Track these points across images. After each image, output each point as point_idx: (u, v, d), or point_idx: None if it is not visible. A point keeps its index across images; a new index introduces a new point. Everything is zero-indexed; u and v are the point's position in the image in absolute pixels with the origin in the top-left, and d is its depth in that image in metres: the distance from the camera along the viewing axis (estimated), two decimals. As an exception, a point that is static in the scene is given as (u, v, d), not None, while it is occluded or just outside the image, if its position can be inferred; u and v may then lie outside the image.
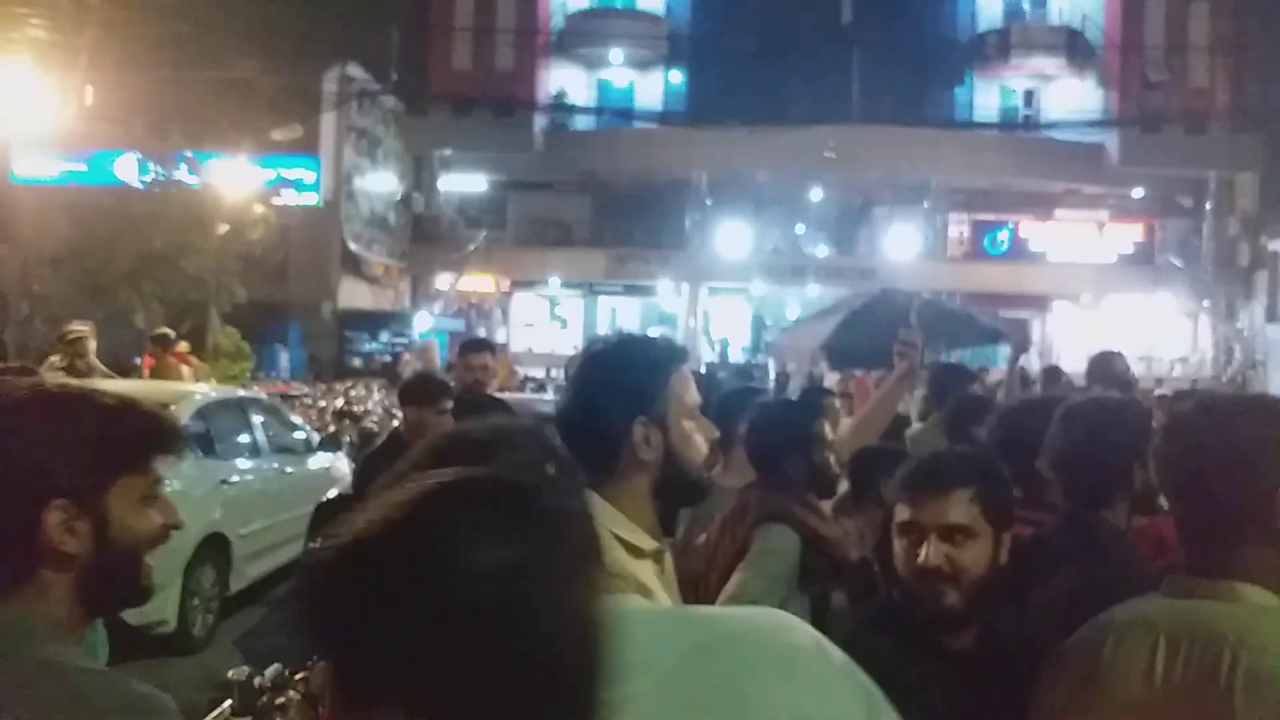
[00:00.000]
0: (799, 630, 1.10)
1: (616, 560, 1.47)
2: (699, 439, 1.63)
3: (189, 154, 16.16)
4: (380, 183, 23.75)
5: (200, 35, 15.91)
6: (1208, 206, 24.38)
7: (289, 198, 20.31)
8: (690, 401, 1.63)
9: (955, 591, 1.69)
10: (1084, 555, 2.02)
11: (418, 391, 4.10)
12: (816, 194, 25.99)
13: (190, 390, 7.46)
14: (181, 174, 16.21)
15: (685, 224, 25.42)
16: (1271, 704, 1.32)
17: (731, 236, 24.93)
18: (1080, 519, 2.15)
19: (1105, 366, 5.88)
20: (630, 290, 25.92)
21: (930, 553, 1.70)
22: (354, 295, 22.54)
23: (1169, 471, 1.59)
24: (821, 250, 26.29)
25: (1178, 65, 24.81)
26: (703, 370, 20.84)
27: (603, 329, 25.61)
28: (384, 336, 21.67)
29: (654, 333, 23.80)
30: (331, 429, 9.84)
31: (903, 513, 1.76)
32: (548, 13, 26.46)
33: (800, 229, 26.86)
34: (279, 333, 20.14)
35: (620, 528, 1.56)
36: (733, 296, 25.89)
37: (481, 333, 23.25)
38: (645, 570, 1.57)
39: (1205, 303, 24.13)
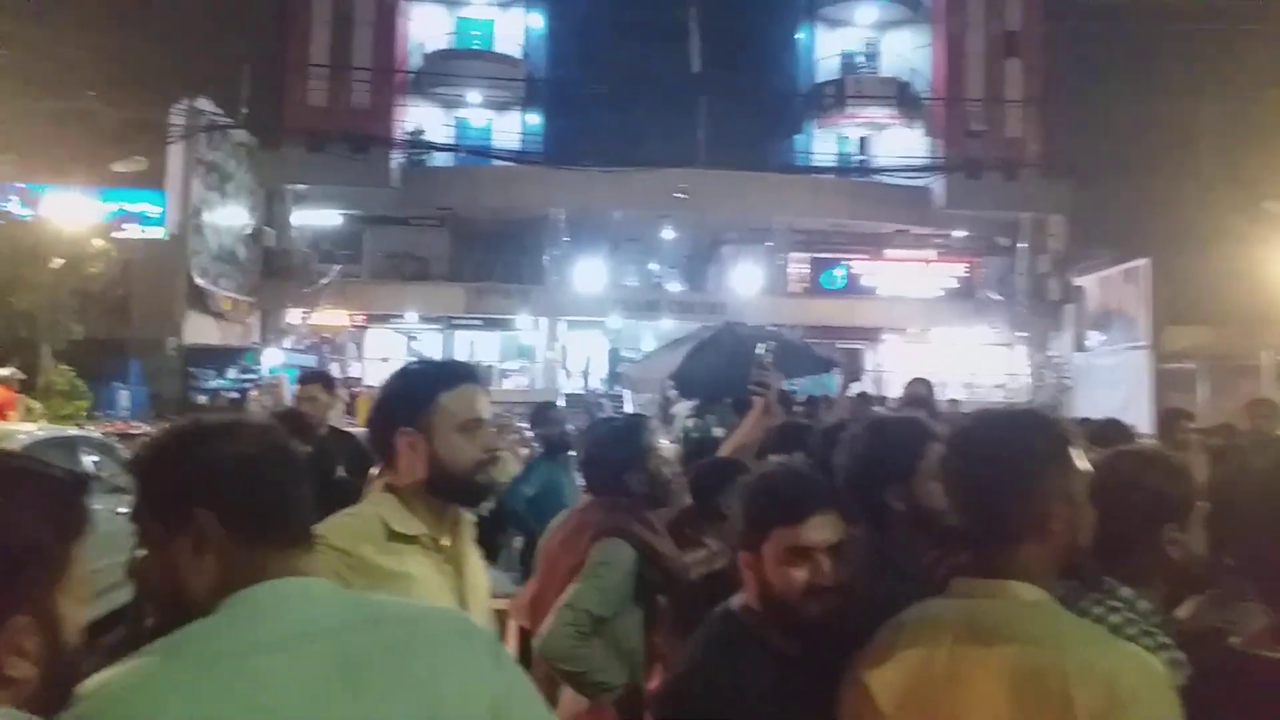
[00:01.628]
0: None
1: (355, 540, 1.82)
2: (470, 449, 1.91)
3: (20, 186, 15.54)
4: (230, 217, 23.20)
5: (36, 64, 15.38)
6: (1022, 246, 26.37)
7: (133, 232, 19.70)
8: (463, 415, 1.91)
9: (827, 603, 1.82)
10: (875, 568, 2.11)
11: None
12: (669, 233, 26.87)
13: (14, 430, 7.22)
14: (13, 206, 15.56)
15: (543, 260, 25.83)
16: (1035, 693, 1.39)
17: (588, 272, 25.54)
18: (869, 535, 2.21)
19: (912, 391, 6.64)
20: (489, 324, 26.08)
21: (828, 570, 1.82)
22: (200, 331, 21.89)
23: (952, 481, 1.67)
24: (674, 286, 27.20)
25: (995, 117, 26.76)
26: (561, 402, 21.30)
27: (461, 363, 25.66)
28: (231, 373, 21.05)
29: (514, 365, 23.95)
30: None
31: (792, 538, 1.84)
32: (405, 52, 26.61)
33: (654, 265, 27.71)
34: (119, 370, 19.31)
35: (390, 515, 1.89)
36: (590, 330, 26.40)
37: (334, 368, 22.98)
38: (411, 556, 1.87)
39: (1021, 334, 26.10)
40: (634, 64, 26.85)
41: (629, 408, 16.97)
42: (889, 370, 24.48)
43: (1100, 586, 1.84)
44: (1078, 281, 24.75)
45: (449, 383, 1.94)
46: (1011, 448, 1.58)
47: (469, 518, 2.06)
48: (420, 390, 1.94)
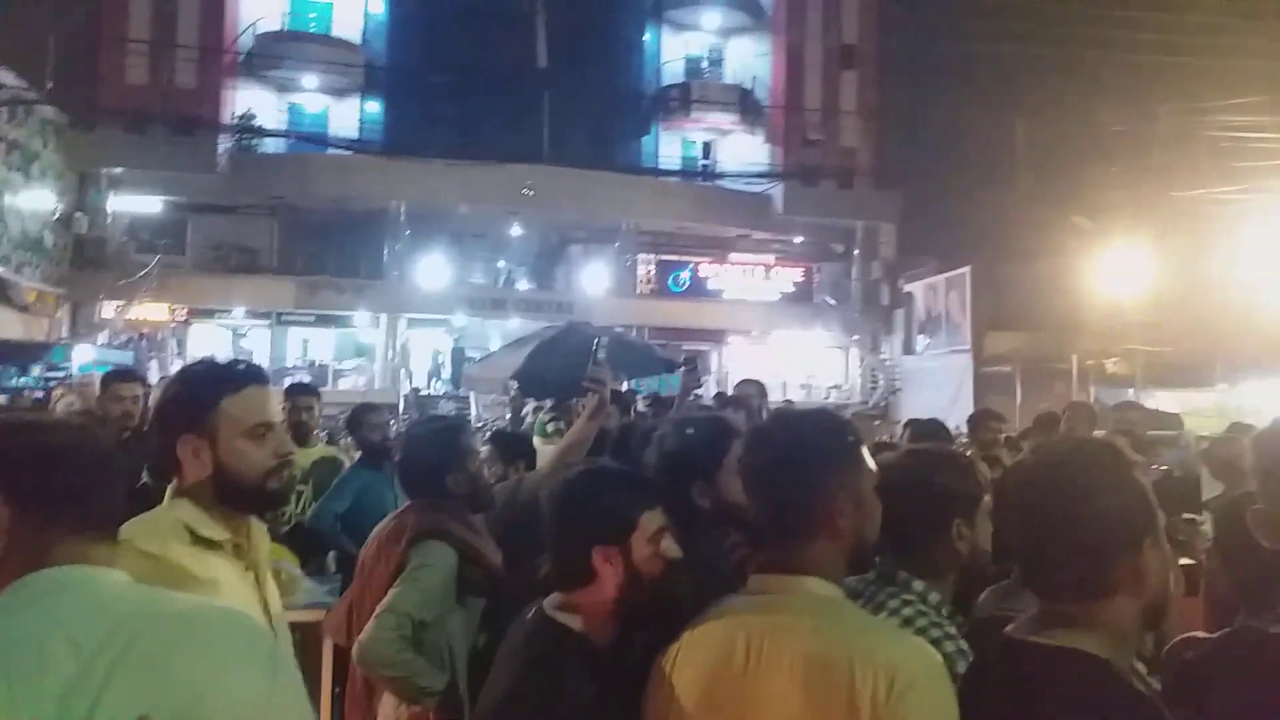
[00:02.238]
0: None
1: (162, 544, 1.76)
2: (258, 455, 1.83)
3: None
4: (35, 200, 21.34)
5: None
6: (856, 253, 27.50)
7: (-83, 213, 17.84)
8: (249, 420, 1.83)
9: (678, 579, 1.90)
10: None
11: None
12: (515, 230, 26.55)
13: None
14: None
15: (383, 254, 25.01)
16: (824, 684, 1.49)
17: (432, 268, 24.86)
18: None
19: (740, 391, 6.65)
20: (323, 320, 25.01)
21: (675, 546, 1.92)
22: (2, 325, 20.06)
23: (748, 478, 1.76)
24: (522, 284, 26.91)
25: (831, 127, 27.81)
26: (400, 404, 20.64)
27: (292, 360, 24.51)
28: (36, 370, 19.41)
29: (350, 364, 23.08)
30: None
31: (659, 519, 1.92)
32: (234, 31, 25.17)
33: (501, 263, 27.32)
34: (-99, 367, 17.53)
35: (191, 519, 1.81)
36: (433, 328, 25.78)
37: (153, 365, 21.50)
38: (216, 561, 1.80)
39: (855, 337, 27.19)
40: (478, 55, 26.34)
41: (474, 409, 16.63)
42: (733, 371, 24.98)
43: (894, 580, 1.94)
44: (907, 288, 25.95)
45: (233, 385, 1.85)
46: (802, 447, 1.67)
47: (260, 524, 1.96)
48: (201, 394, 1.84)
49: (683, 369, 5.75)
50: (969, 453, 2.94)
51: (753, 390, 6.35)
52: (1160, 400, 20.26)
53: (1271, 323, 17.07)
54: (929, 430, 5.28)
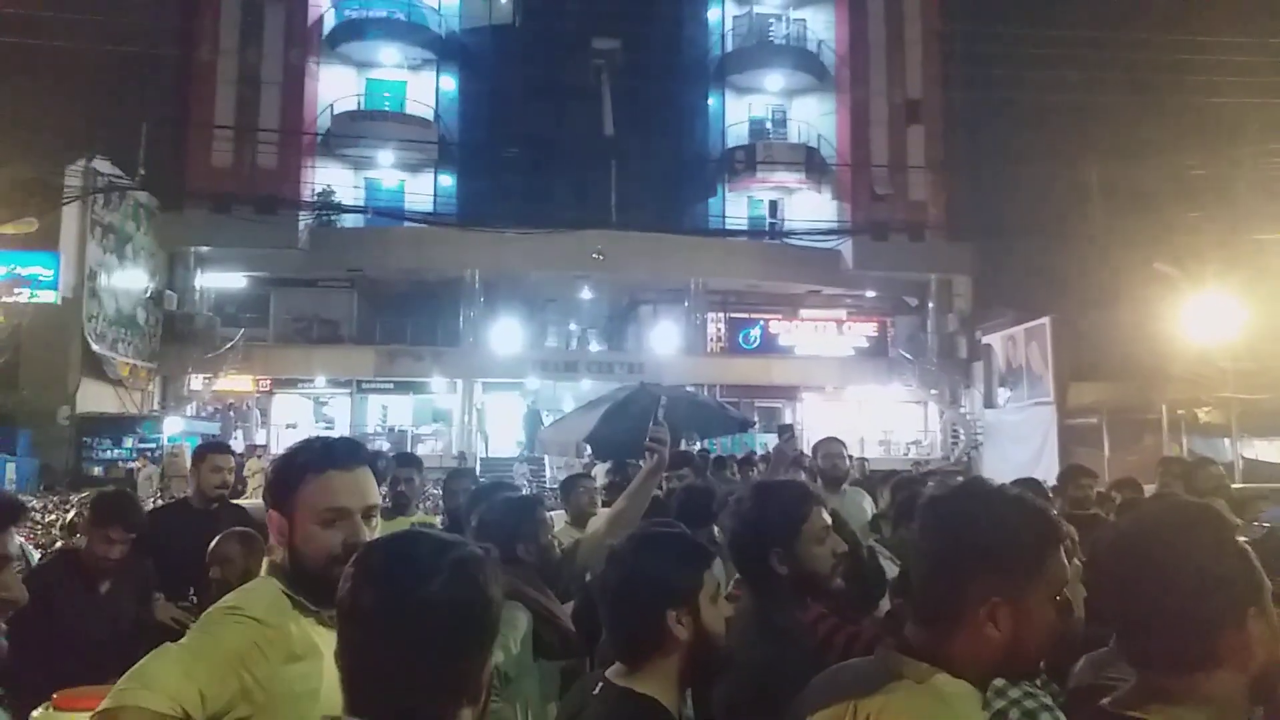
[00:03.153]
0: None
1: (269, 611, 1.77)
2: (325, 539, 1.82)
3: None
4: (129, 280, 22.39)
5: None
6: (930, 305, 27.11)
7: (22, 296, 18.83)
8: (323, 505, 1.83)
9: None
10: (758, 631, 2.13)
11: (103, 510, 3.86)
12: (586, 293, 26.89)
13: None
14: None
15: (459, 321, 25.54)
16: None
17: (505, 333, 25.30)
18: (753, 604, 2.25)
19: (780, 449, 6.21)
20: (401, 387, 25.56)
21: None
22: (96, 398, 20.92)
23: (915, 548, 1.60)
24: (593, 346, 27.15)
25: (899, 181, 27.70)
26: (475, 466, 20.85)
27: (372, 426, 25.00)
28: (129, 442, 20.17)
29: (428, 430, 23.41)
30: (59, 544, 9.12)
31: (716, 577, 1.96)
32: (313, 112, 26.30)
33: (572, 326, 27.65)
34: (6, 441, 18.36)
35: (286, 587, 1.84)
36: (508, 392, 26.10)
37: (238, 435, 22.13)
38: (315, 630, 1.80)
39: (932, 391, 26.67)
40: (547, 126, 27.07)
41: (549, 471, 16.68)
42: (809, 427, 24.74)
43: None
44: (984, 339, 25.44)
45: (316, 468, 1.85)
46: (976, 530, 1.49)
47: None
48: (288, 474, 1.87)
49: (780, 436, 5.65)
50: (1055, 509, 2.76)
51: (836, 449, 6.12)
52: (1259, 449, 19.39)
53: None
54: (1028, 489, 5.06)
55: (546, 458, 17.76)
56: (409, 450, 22.72)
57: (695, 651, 1.84)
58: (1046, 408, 22.39)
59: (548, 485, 16.60)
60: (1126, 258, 20.73)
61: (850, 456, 6.70)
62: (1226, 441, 19.05)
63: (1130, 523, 1.56)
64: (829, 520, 2.45)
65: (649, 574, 1.89)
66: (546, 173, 26.62)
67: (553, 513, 4.35)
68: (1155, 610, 1.43)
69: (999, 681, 1.53)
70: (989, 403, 25.27)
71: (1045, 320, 22.68)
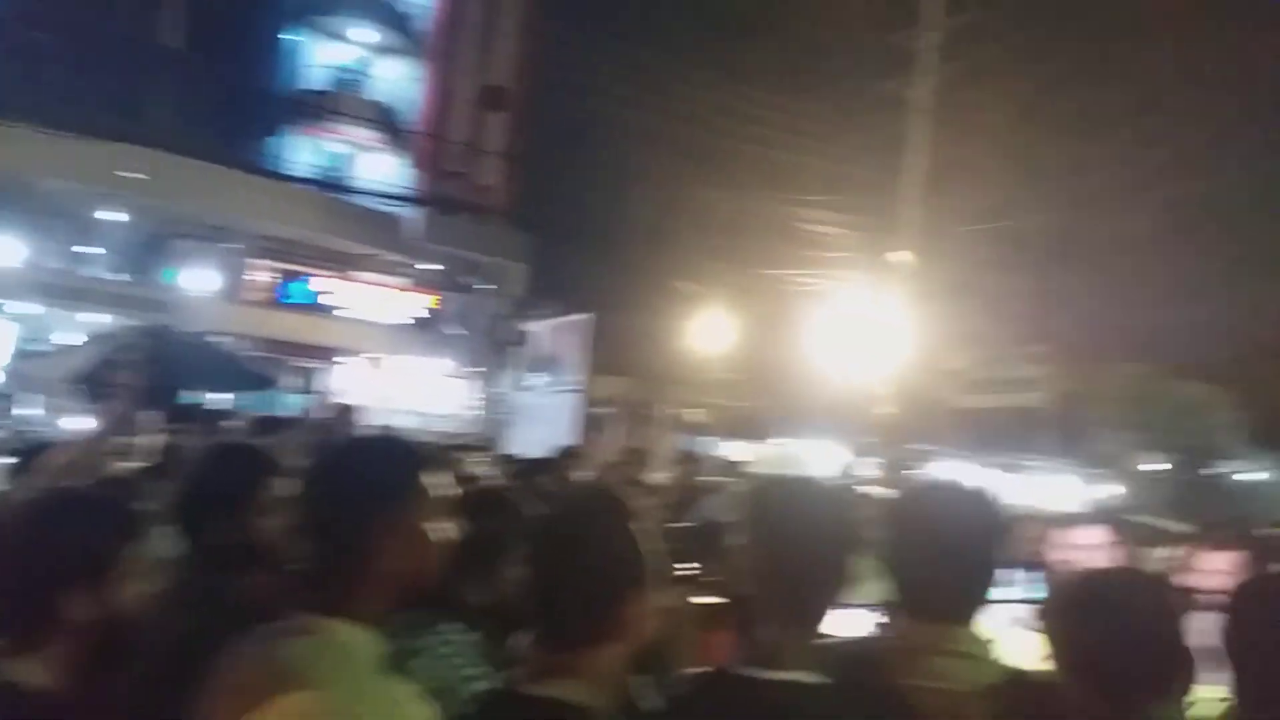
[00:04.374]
0: None
1: None
2: None
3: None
4: None
5: None
6: (485, 287, 28.01)
7: None
8: None
9: None
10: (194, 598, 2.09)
11: None
12: (114, 215, 23.90)
13: None
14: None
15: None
16: None
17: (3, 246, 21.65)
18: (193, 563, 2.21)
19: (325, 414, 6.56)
20: None
21: None
22: None
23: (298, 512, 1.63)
24: (112, 275, 24.14)
25: (474, 163, 28.23)
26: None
27: None
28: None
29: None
30: None
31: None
32: None
33: (88, 249, 24.34)
34: None
35: None
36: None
37: None
38: None
39: (475, 369, 27.61)
40: (97, 20, 23.58)
41: (17, 409, 14.52)
42: (347, 393, 24.33)
43: (433, 622, 1.95)
44: (529, 326, 26.88)
45: None
46: (351, 481, 1.57)
47: None
48: None
49: (336, 409, 5.58)
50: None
51: (335, 413, 6.25)
52: (734, 449, 22.78)
53: (822, 389, 19.81)
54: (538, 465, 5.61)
55: (25, 394, 15.52)
56: None
57: (100, 632, 1.72)
58: (573, 395, 24.30)
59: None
60: (657, 273, 23.17)
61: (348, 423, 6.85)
62: (712, 440, 22.19)
63: (547, 513, 1.72)
64: (292, 492, 2.31)
65: (50, 537, 1.75)
66: (96, 73, 23.20)
67: None
68: (552, 591, 1.56)
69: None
70: (523, 385, 26.79)
71: (586, 316, 24.59)
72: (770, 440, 24.31)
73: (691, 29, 26.39)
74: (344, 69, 28.55)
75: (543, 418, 24.62)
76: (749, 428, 22.22)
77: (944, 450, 22.26)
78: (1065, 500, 15.75)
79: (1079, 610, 1.70)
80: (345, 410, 6.28)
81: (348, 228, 25.60)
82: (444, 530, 1.61)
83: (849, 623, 2.11)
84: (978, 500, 1.93)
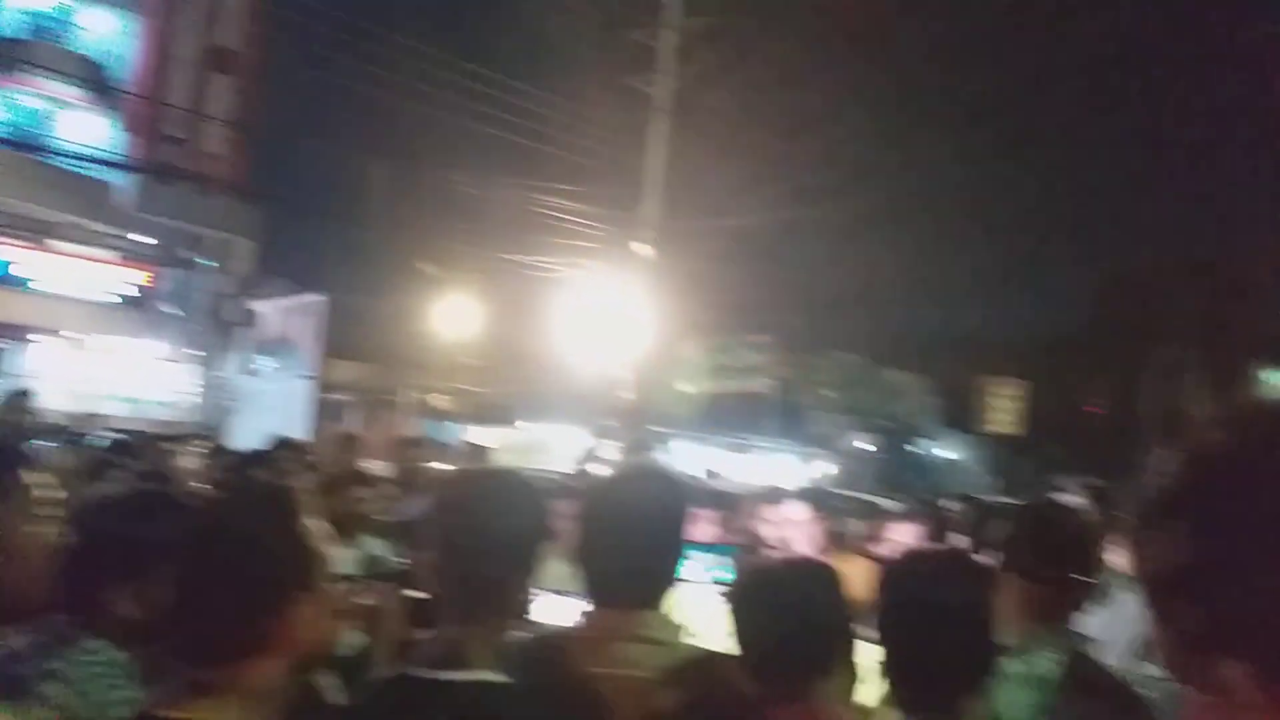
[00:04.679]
0: None
1: None
2: None
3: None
4: None
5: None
6: (207, 263, 26.02)
7: None
8: None
9: None
10: None
11: None
12: None
13: None
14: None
15: None
16: None
17: None
18: None
19: None
20: None
21: None
22: None
23: None
24: None
25: (196, 129, 26.09)
26: None
27: None
28: None
29: None
30: None
31: None
32: None
33: None
34: None
35: None
36: None
37: None
38: None
39: (196, 352, 25.60)
40: None
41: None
42: (43, 376, 21.89)
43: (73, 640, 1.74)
44: (256, 307, 25.31)
45: None
46: None
47: None
48: None
49: (11, 395, 4.92)
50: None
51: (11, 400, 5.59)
52: (475, 435, 22.58)
53: (567, 375, 20.04)
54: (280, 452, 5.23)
55: None
56: None
57: None
58: (305, 381, 23.13)
59: None
60: (399, 254, 22.49)
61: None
62: (451, 426, 21.87)
63: (204, 506, 1.56)
64: None
65: None
66: None
67: None
68: (194, 601, 1.40)
69: None
70: (249, 370, 25.20)
71: (319, 298, 23.43)
72: (517, 426, 24.37)
73: (437, 4, 25.85)
74: (41, 15, 25.46)
75: (272, 405, 23.29)
76: (495, 413, 22.11)
77: (679, 433, 23.24)
78: (784, 478, 16.90)
79: (745, 595, 1.79)
80: (21, 396, 5.59)
81: (44, 193, 22.87)
82: (40, 535, 1.45)
83: (562, 612, 2.13)
84: (662, 485, 1.97)
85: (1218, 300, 34.92)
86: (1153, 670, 2.38)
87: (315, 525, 1.50)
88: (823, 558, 4.42)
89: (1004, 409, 34.54)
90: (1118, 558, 3.84)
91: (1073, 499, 4.28)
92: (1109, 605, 3.39)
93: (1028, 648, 1.96)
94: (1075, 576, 2.38)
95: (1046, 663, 2.13)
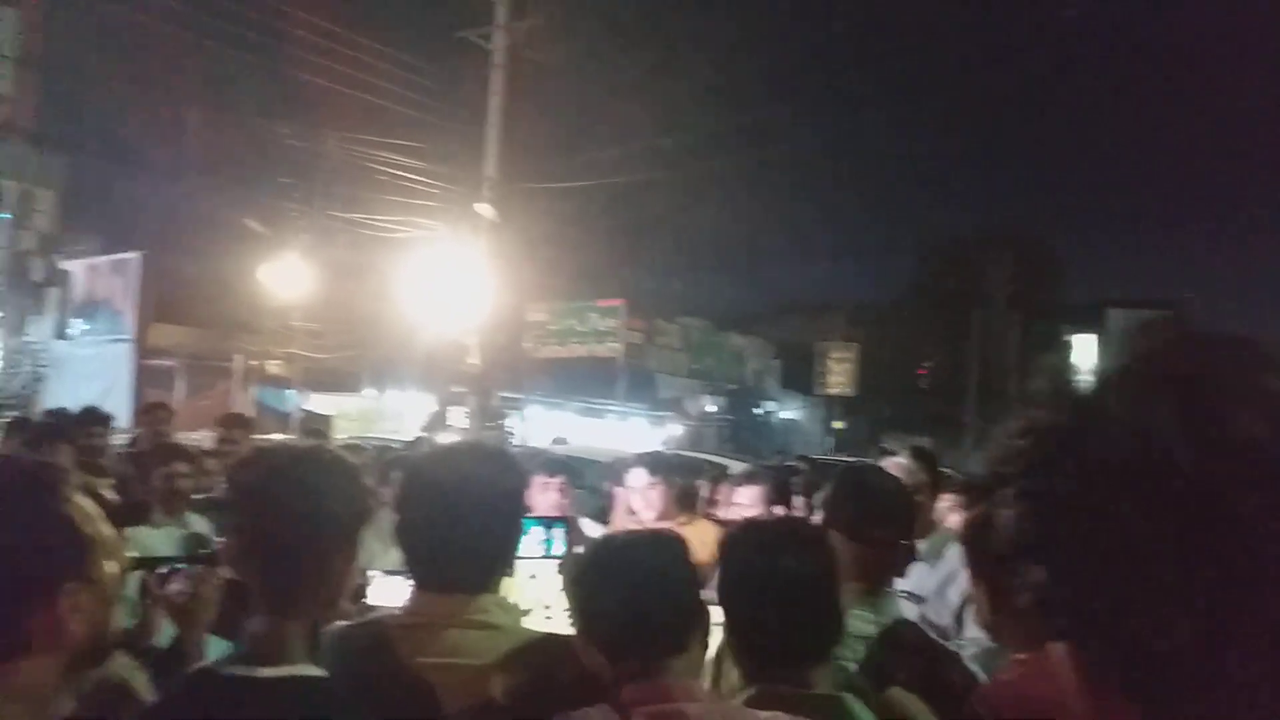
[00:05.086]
0: None
1: None
2: None
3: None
4: None
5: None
6: (5, 217, 23.87)
7: None
8: None
9: None
10: None
11: None
12: None
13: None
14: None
15: None
16: None
17: None
18: None
19: None
20: None
21: None
22: None
23: None
24: None
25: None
26: None
27: None
28: None
29: None
30: None
31: None
32: None
33: None
34: None
35: None
36: None
37: None
38: None
39: (-2, 314, 23.55)
40: None
41: None
42: None
43: None
44: (65, 265, 23.42)
45: None
46: None
47: None
48: None
49: None
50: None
51: None
52: (316, 402, 21.70)
53: (415, 341, 19.47)
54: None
55: None
56: None
57: None
58: (124, 345, 21.64)
59: None
60: (221, 209, 21.17)
61: None
62: (290, 393, 20.91)
63: None
64: None
65: None
66: None
67: None
68: None
69: None
70: (60, 334, 23.35)
71: (135, 256, 21.88)
72: (363, 393, 23.58)
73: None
74: None
75: (86, 371, 21.70)
76: (338, 380, 21.27)
77: (529, 399, 23.05)
78: (634, 442, 17.00)
79: (590, 570, 1.71)
80: None
81: None
82: None
83: (402, 595, 1.99)
84: (491, 462, 1.86)
85: (1026, 269, 37.41)
86: (976, 631, 2.45)
87: (87, 505, 1.31)
88: (667, 522, 4.43)
89: (839, 371, 36.08)
90: (949, 517, 4.00)
91: (900, 459, 4.40)
92: (938, 564, 3.50)
93: (847, 605, 1.98)
94: (893, 537, 2.43)
95: (862, 622, 2.16)
